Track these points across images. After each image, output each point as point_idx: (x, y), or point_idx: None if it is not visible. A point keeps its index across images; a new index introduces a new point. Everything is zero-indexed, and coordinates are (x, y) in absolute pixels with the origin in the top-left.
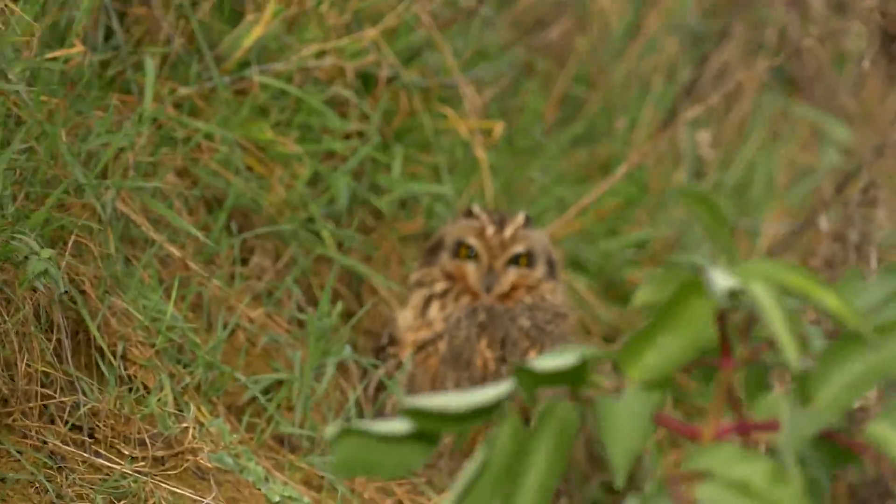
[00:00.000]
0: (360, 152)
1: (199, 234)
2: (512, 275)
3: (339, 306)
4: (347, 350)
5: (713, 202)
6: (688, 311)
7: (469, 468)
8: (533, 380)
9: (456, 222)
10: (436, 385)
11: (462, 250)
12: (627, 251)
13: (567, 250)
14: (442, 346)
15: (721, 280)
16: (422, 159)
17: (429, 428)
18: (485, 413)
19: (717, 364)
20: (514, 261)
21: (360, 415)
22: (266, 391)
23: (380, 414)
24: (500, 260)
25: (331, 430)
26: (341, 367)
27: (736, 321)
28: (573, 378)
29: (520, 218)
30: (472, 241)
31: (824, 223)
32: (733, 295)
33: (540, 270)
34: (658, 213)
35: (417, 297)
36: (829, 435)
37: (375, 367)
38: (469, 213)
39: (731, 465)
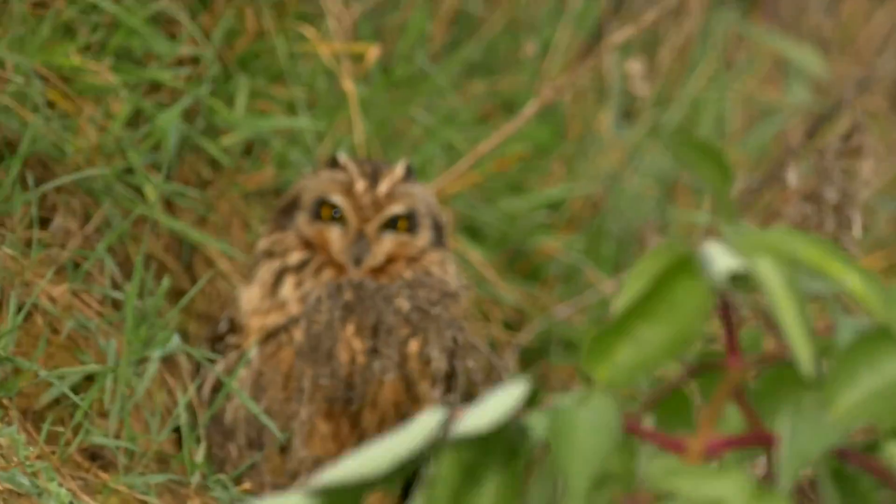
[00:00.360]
0: (195, 84)
1: None
2: (388, 243)
3: (166, 282)
4: (176, 339)
5: (716, 151)
6: (675, 296)
7: None
8: (469, 451)
9: (316, 175)
10: (289, 384)
11: (324, 211)
12: (538, 213)
13: (459, 211)
14: (297, 333)
15: (720, 257)
16: (273, 93)
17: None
18: (414, 462)
19: (722, 363)
20: (391, 225)
21: (193, 422)
22: (73, 391)
23: (218, 422)
24: (373, 224)
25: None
26: (168, 361)
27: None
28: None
29: (398, 170)
30: (338, 198)
31: (793, 178)
32: (739, 276)
33: (424, 237)
34: (577, 164)
35: (266, 272)
36: (842, 454)
37: (212, 360)
38: (333, 163)
39: (703, 483)
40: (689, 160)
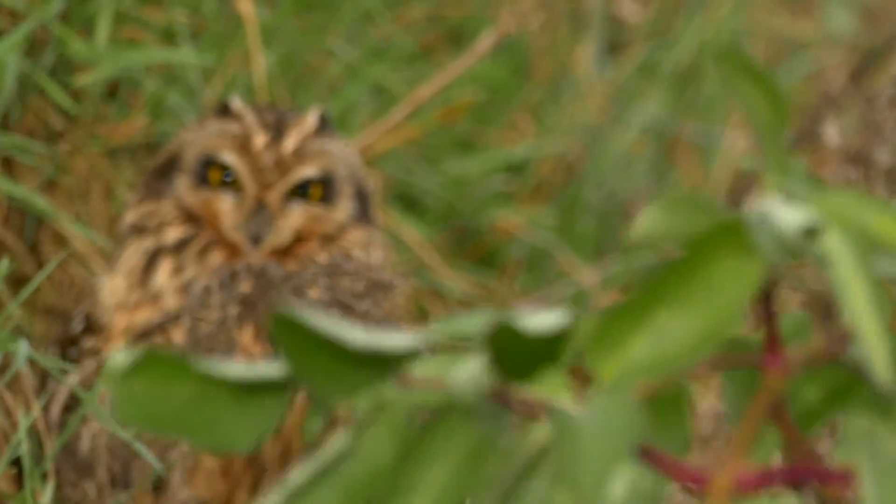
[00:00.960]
0: (40, 6)
1: None
2: (296, 216)
3: (3, 266)
4: (21, 345)
5: (770, 78)
6: (713, 274)
7: (311, 462)
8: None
9: (202, 126)
10: None
11: (212, 173)
12: (494, 179)
13: (392, 176)
14: (177, 335)
15: (785, 217)
16: (145, 17)
17: (301, 372)
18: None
19: (758, 365)
20: (301, 192)
21: (38, 450)
22: None
23: (71, 451)
24: (277, 190)
25: (118, 357)
26: (6, 372)
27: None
28: (547, 356)
29: (310, 120)
30: (230, 157)
31: (833, 133)
32: (791, 249)
33: (344, 209)
34: (546, 114)
35: (135, 253)
36: None
37: (63, 371)
38: (224, 111)
39: None
40: (741, 88)
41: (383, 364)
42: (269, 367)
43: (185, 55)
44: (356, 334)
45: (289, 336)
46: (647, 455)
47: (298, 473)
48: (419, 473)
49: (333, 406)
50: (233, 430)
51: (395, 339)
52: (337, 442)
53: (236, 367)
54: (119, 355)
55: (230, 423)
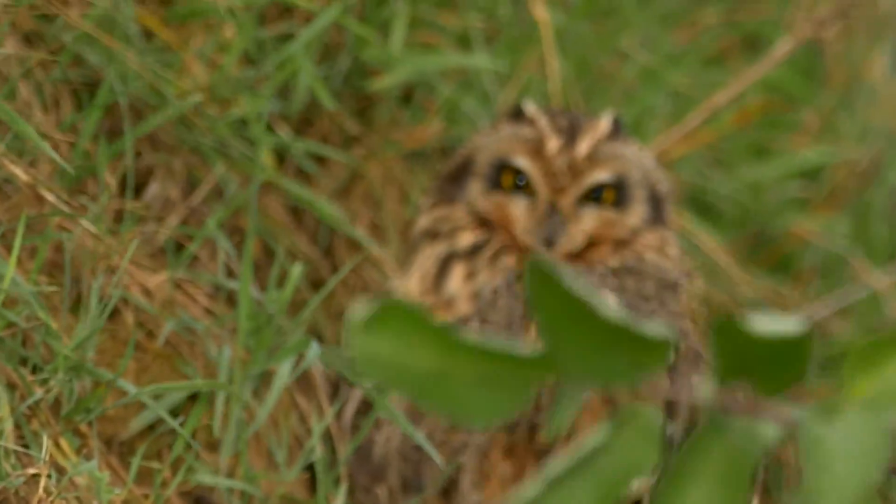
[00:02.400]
0: (336, 8)
1: (53, 152)
2: (589, 220)
3: (298, 271)
4: (313, 347)
5: None
6: None
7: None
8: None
9: (496, 130)
10: None
11: (505, 178)
12: (789, 185)
13: (686, 181)
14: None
15: None
16: (441, 21)
17: (553, 338)
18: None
19: None
20: (594, 196)
21: (331, 457)
22: (172, 414)
23: (364, 455)
24: (570, 195)
25: (359, 309)
26: (300, 377)
27: None
28: (788, 364)
29: (604, 124)
30: (523, 161)
31: None
32: None
33: (637, 213)
34: (841, 120)
35: (428, 258)
36: None
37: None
38: (518, 115)
39: None
40: None
41: (639, 350)
42: (521, 345)
43: (480, 60)
44: (612, 308)
45: (544, 294)
46: None
47: (555, 465)
48: (678, 488)
49: (585, 391)
50: (477, 403)
51: (650, 327)
52: (593, 437)
53: (487, 339)
54: (360, 307)
55: (474, 396)
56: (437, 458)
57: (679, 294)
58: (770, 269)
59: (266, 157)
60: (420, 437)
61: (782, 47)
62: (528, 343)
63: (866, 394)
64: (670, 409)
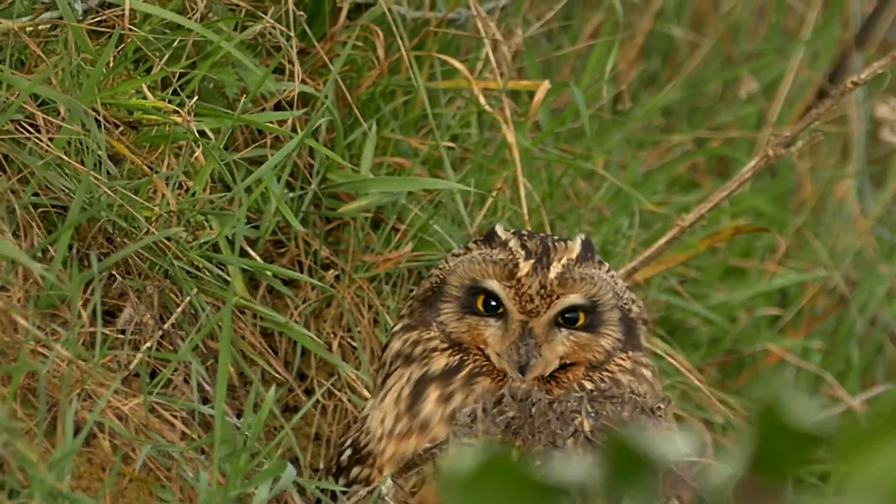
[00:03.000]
0: (305, 134)
1: (34, 268)
2: (562, 343)
3: (272, 395)
4: (289, 470)
5: None
6: None
7: None
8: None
9: (467, 254)
10: None
11: (478, 301)
12: (762, 307)
13: (658, 302)
14: (445, 463)
15: None
16: (410, 145)
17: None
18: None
19: None
20: (567, 319)
21: None
22: None
23: None
24: (543, 318)
25: (456, 461)
26: (276, 499)
27: None
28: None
29: (575, 246)
30: (496, 285)
31: None
32: None
33: (611, 335)
34: (812, 241)
35: (401, 381)
36: None
37: (334, 498)
38: (490, 238)
39: None
40: None
41: None
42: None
43: (450, 184)
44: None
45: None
46: None
47: None
48: None
49: None
50: None
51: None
52: None
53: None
54: (457, 459)
55: None
56: None
57: (658, 420)
58: (743, 390)
59: (238, 281)
60: None
61: (750, 167)
62: None
63: (871, 481)
64: None
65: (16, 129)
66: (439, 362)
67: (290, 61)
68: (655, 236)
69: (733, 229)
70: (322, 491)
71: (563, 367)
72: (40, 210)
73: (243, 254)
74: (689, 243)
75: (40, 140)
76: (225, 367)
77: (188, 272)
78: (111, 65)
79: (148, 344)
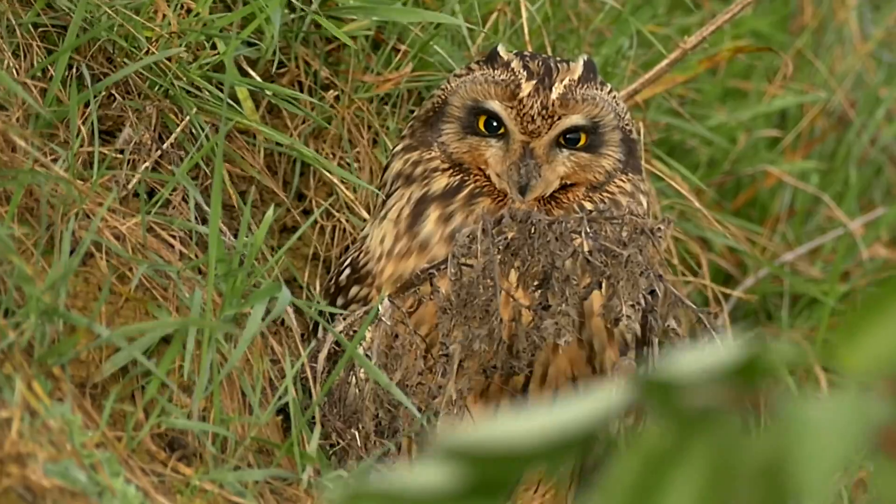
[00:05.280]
0: None
1: (25, 93)
2: (563, 164)
3: (270, 215)
4: (284, 291)
5: None
6: None
7: None
8: (667, 394)
9: (469, 74)
10: (431, 349)
11: (480, 122)
12: (762, 128)
13: (658, 124)
14: (443, 283)
15: None
16: None
17: (492, 475)
18: (582, 444)
19: None
20: (568, 140)
21: (305, 400)
22: (146, 356)
23: (338, 399)
24: (544, 139)
25: (333, 494)
26: (274, 321)
27: None
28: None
29: (578, 67)
30: (497, 105)
31: None
32: None
33: (611, 157)
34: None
35: (401, 201)
36: None
37: (330, 319)
38: (492, 59)
39: None
40: None
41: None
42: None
43: (450, 18)
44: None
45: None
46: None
47: None
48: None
49: None
50: None
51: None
52: None
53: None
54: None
55: None
56: (409, 403)
57: (656, 241)
58: (743, 213)
59: (247, 102)
60: (393, 383)
61: None
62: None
63: (864, 367)
64: (644, 349)
65: None
66: (440, 182)
67: None
68: (656, 58)
69: (734, 49)
70: (319, 312)
71: (564, 188)
72: (40, 30)
73: (243, 74)
74: (689, 64)
75: None
76: (219, 183)
77: (188, 92)
78: None
79: (146, 164)
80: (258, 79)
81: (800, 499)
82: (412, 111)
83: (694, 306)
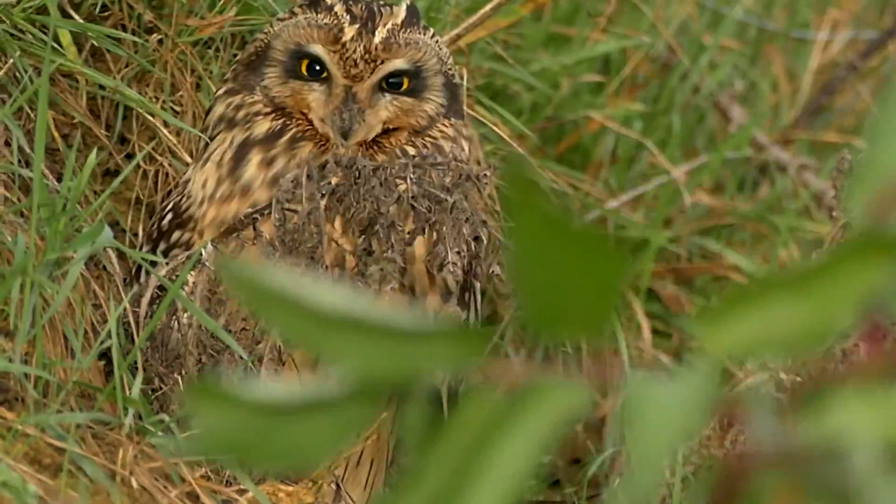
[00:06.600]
0: None
1: None
2: (386, 108)
3: (93, 158)
4: (107, 233)
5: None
6: (839, 275)
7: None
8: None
9: (292, 18)
10: None
11: (302, 65)
12: (585, 73)
13: (480, 68)
14: (267, 228)
15: None
16: None
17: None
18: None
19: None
20: (391, 84)
21: (127, 344)
22: None
23: (160, 344)
24: (367, 82)
25: (187, 389)
26: (95, 264)
27: None
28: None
29: (400, 12)
30: (320, 49)
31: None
32: None
33: (434, 101)
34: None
35: (223, 145)
36: None
37: (153, 263)
38: (315, 3)
39: None
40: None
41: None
42: (320, 387)
43: None
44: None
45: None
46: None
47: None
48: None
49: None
50: (300, 451)
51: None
52: None
53: (286, 389)
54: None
55: (296, 444)
56: (237, 347)
57: (481, 187)
58: (566, 160)
59: (70, 47)
60: (216, 325)
61: None
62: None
63: (721, 350)
64: (468, 296)
65: None
66: (262, 126)
67: None
68: (480, 3)
69: None
70: (142, 256)
71: (386, 133)
72: None
73: (66, 17)
74: (512, 9)
75: None
76: (43, 125)
77: (11, 35)
78: None
79: None
80: (81, 21)
81: (635, 472)
82: (236, 55)
83: None
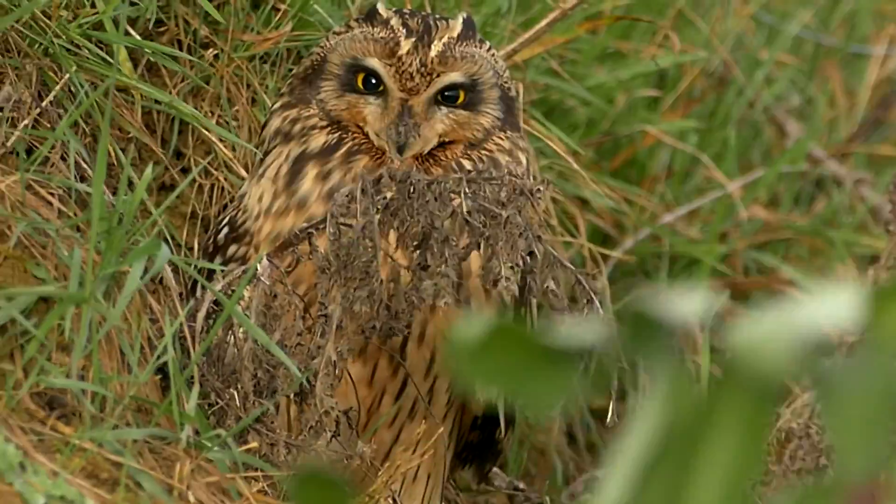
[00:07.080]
0: None
1: None
2: (441, 121)
3: (149, 173)
4: (163, 249)
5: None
6: None
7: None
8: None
9: (349, 32)
10: (309, 309)
11: (358, 79)
12: (640, 88)
13: (537, 84)
14: (322, 243)
15: None
16: None
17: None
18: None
19: None
20: (447, 98)
21: (183, 359)
22: (24, 316)
23: (217, 358)
24: (423, 96)
25: (465, 328)
26: (151, 279)
27: None
28: None
29: (456, 25)
30: (376, 63)
31: None
32: None
33: (489, 115)
34: (692, 25)
35: (280, 159)
36: None
37: (209, 278)
38: (371, 16)
39: None
40: None
41: None
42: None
43: None
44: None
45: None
46: None
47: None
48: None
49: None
50: (542, 391)
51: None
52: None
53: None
54: (466, 326)
55: (542, 385)
56: (290, 362)
57: (535, 202)
58: (621, 174)
59: (125, 62)
60: (271, 342)
61: None
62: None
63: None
64: (523, 310)
65: None
66: (318, 140)
67: None
68: (535, 18)
69: (613, 18)
70: (199, 271)
71: (442, 146)
72: None
73: (123, 33)
74: (569, 25)
75: None
76: (105, 141)
77: (67, 50)
78: None
79: (25, 121)
80: (137, 37)
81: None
82: (291, 70)
83: (573, 267)
